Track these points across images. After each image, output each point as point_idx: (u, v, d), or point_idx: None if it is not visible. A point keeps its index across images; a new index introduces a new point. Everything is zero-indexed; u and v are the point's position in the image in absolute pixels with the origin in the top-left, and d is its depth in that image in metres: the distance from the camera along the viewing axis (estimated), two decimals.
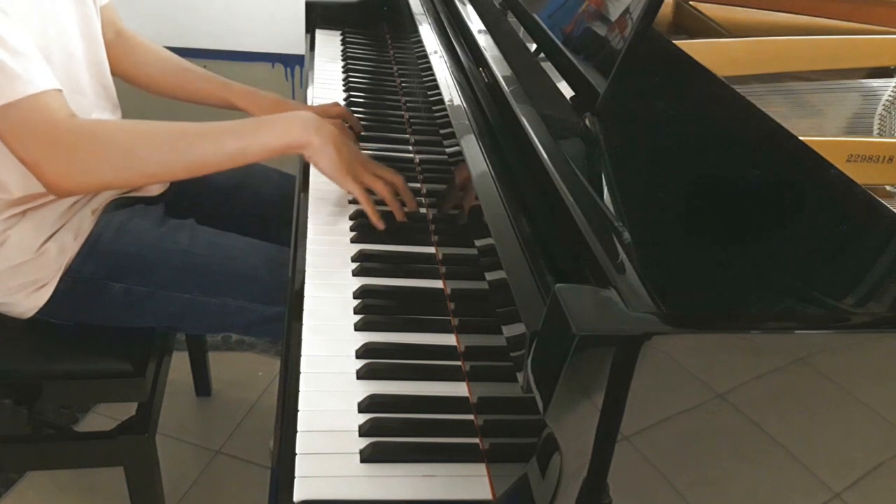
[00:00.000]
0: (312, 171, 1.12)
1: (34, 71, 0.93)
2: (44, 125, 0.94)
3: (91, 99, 1.16)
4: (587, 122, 0.74)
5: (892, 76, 1.08)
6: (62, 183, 0.98)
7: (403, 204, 1.04)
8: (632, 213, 0.62)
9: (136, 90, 1.37)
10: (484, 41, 0.96)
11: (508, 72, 0.86)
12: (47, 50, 1.04)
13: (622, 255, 0.54)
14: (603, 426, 0.50)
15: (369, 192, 1.02)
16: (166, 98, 1.36)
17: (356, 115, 1.30)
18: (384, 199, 1.02)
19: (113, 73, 1.31)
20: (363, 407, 0.75)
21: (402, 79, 1.46)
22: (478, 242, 0.75)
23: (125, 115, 1.27)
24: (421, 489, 0.68)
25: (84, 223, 1.12)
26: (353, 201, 1.07)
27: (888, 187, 0.95)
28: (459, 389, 0.79)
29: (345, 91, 1.43)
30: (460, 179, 0.88)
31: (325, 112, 1.24)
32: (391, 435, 0.72)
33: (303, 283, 0.91)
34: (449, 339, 0.85)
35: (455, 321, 0.87)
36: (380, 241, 1.00)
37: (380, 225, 1.00)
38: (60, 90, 0.97)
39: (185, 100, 1.34)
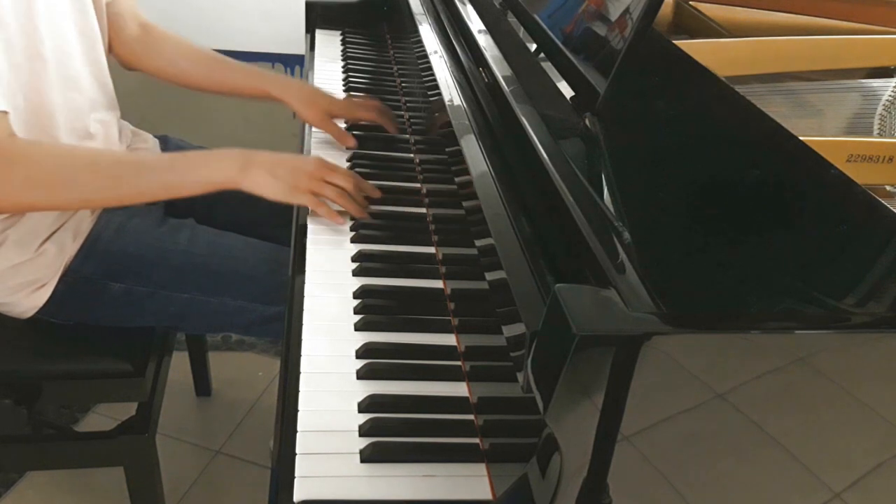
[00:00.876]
0: None
1: None
2: None
3: (89, 96, 1.15)
4: (587, 122, 0.74)
5: (892, 76, 1.08)
6: None
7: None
8: (632, 213, 0.62)
9: (136, 88, 1.36)
10: (484, 41, 0.96)
11: (508, 72, 0.86)
12: (39, 47, 1.03)
13: (622, 255, 0.54)
14: (603, 426, 0.50)
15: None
16: (197, 91, 1.34)
17: None
18: (336, 202, 1.01)
19: (139, 68, 1.31)
20: (363, 407, 0.75)
21: (402, 79, 1.46)
22: (478, 242, 0.75)
23: (123, 114, 1.27)
24: (421, 489, 0.68)
25: (83, 223, 1.12)
26: None
27: (888, 187, 0.95)
28: (459, 389, 0.79)
29: (345, 91, 1.43)
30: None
31: (362, 105, 1.25)
32: (391, 435, 0.72)
33: (303, 282, 0.91)
34: (449, 339, 0.85)
35: (455, 321, 0.87)
36: (380, 241, 1.00)
37: (340, 221, 1.01)
38: (7, 112, 0.95)
39: (219, 92, 1.33)
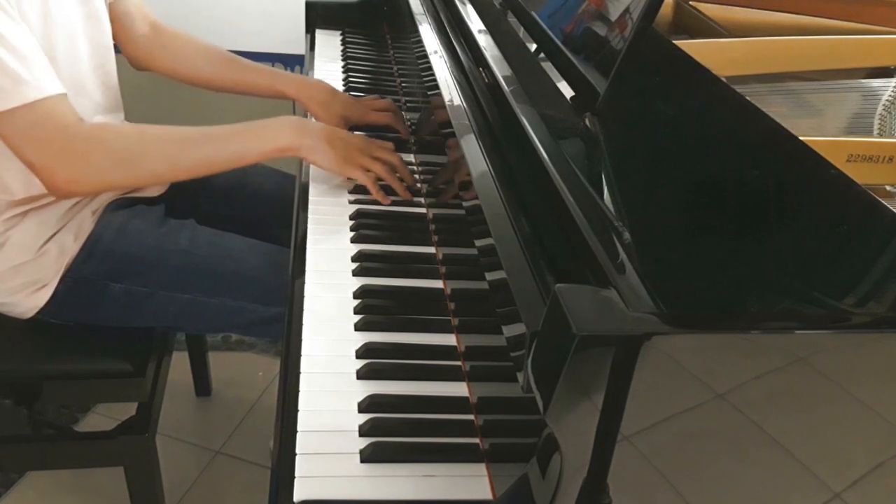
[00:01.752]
0: (312, 171, 1.12)
1: (42, 76, 0.95)
2: (54, 130, 0.96)
3: (95, 100, 1.16)
4: (587, 122, 0.74)
5: (892, 76, 1.08)
6: (71, 187, 1.01)
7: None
8: (632, 213, 0.62)
9: (140, 92, 1.36)
10: (484, 41, 0.96)
11: (508, 72, 0.86)
12: (52, 52, 1.04)
13: (622, 255, 0.54)
14: (603, 426, 0.50)
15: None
16: (210, 90, 1.34)
17: None
18: (385, 179, 1.06)
19: (150, 68, 1.32)
20: (363, 407, 0.75)
21: (402, 79, 1.46)
22: (478, 242, 0.75)
23: (128, 116, 1.27)
24: (421, 489, 0.68)
25: (84, 224, 1.12)
26: (353, 201, 1.07)
27: (888, 187, 0.95)
28: (459, 389, 0.79)
29: (345, 91, 1.43)
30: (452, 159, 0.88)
31: (376, 107, 1.26)
32: (391, 435, 0.72)
33: (303, 283, 0.91)
34: (449, 339, 0.85)
35: (455, 321, 0.87)
36: (380, 241, 1.00)
37: (385, 200, 1.06)
38: (66, 94, 0.98)
39: (232, 91, 1.34)
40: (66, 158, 0.98)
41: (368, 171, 1.05)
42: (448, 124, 0.89)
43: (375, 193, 1.05)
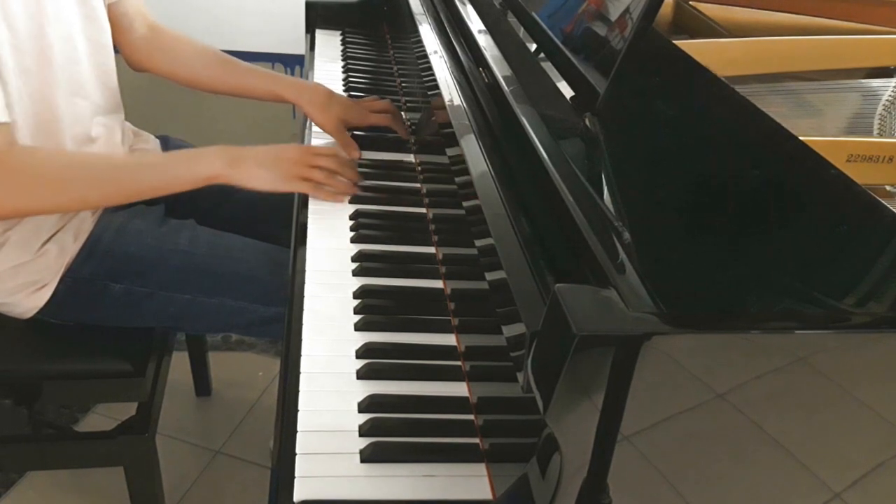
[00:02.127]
0: None
1: None
2: None
3: (94, 101, 1.16)
4: (587, 122, 0.74)
5: (892, 76, 1.08)
6: None
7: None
8: (632, 212, 0.62)
9: (140, 92, 1.36)
10: (484, 41, 0.96)
11: (508, 72, 0.86)
12: (48, 51, 1.04)
13: (622, 255, 0.54)
14: (603, 426, 0.50)
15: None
16: (208, 92, 1.34)
17: None
18: (326, 184, 1.06)
19: (148, 70, 1.31)
20: (363, 407, 0.75)
21: (402, 79, 1.46)
22: (478, 242, 0.75)
23: (128, 117, 1.27)
24: (421, 489, 0.68)
25: (84, 224, 1.12)
26: (353, 201, 1.07)
27: (888, 187, 0.95)
28: (459, 389, 0.79)
29: (345, 91, 1.43)
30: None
31: (375, 108, 1.25)
32: (391, 435, 0.72)
33: (303, 283, 0.91)
34: (449, 339, 0.85)
35: (455, 321, 0.87)
36: (380, 241, 1.00)
37: (340, 199, 1.06)
38: (8, 123, 0.97)
39: (230, 94, 1.33)
40: None
41: (308, 179, 1.05)
42: (448, 124, 0.89)
43: (326, 197, 1.06)
